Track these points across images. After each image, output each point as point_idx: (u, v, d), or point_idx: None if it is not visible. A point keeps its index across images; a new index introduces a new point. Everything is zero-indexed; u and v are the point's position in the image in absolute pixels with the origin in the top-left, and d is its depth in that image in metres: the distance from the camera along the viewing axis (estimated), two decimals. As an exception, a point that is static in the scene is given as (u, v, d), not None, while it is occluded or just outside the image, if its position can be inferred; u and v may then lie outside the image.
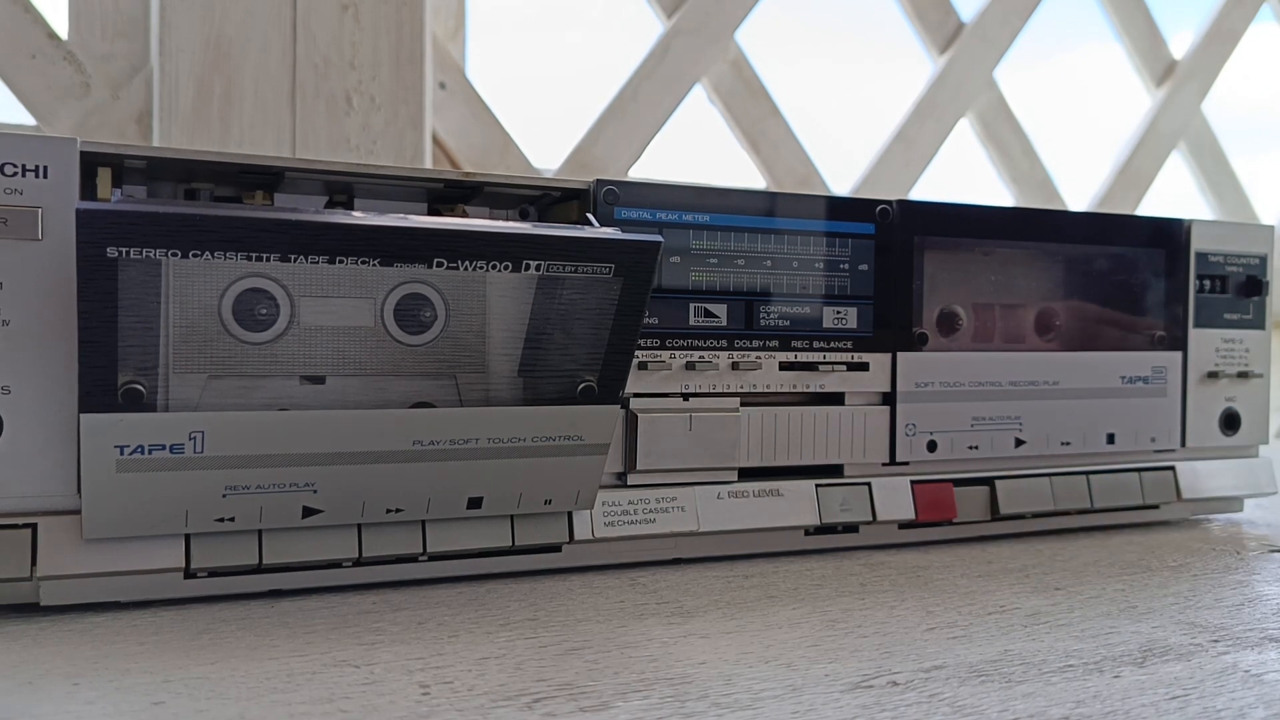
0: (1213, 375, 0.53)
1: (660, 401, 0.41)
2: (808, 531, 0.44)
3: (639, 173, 0.78)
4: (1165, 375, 0.51)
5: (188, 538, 0.34)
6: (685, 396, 0.41)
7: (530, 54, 0.84)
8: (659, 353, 0.41)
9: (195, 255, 0.30)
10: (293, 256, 0.31)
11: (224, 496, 0.33)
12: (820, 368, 0.44)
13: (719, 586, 0.38)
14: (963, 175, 0.96)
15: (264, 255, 0.31)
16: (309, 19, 0.64)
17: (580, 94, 0.81)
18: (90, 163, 0.34)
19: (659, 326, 0.41)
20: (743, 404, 0.42)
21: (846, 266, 0.44)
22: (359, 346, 0.34)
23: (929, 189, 0.91)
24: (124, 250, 0.29)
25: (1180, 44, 1.05)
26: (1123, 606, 0.36)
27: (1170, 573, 0.41)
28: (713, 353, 0.42)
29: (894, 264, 0.45)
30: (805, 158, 0.85)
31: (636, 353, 0.40)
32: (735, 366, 0.42)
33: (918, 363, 0.45)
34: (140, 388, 0.31)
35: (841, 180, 0.89)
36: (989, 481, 0.47)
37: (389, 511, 0.36)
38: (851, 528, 0.45)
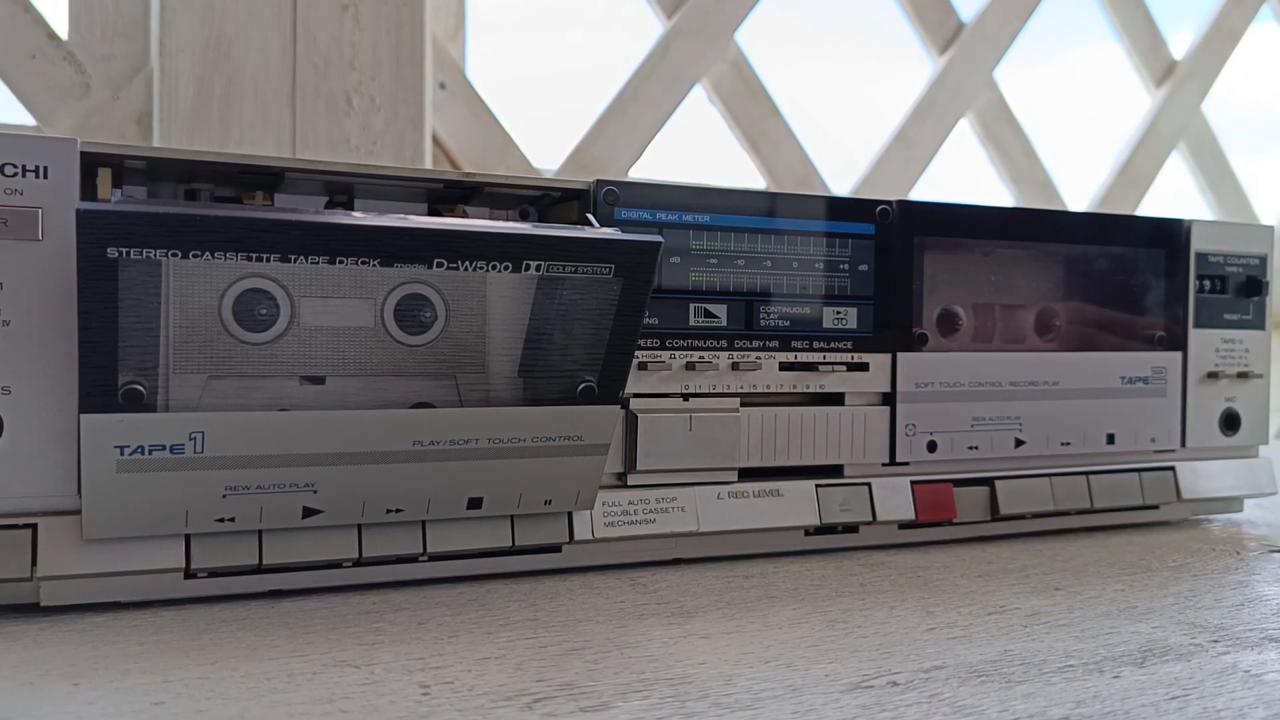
0: (1213, 375, 0.53)
1: (660, 402, 0.41)
2: (808, 532, 0.44)
3: (639, 173, 0.78)
4: (1165, 375, 0.51)
5: (188, 538, 0.34)
6: (685, 397, 0.41)
7: (530, 54, 0.84)
8: (659, 353, 0.41)
9: (195, 255, 0.30)
10: (293, 257, 0.31)
11: (224, 497, 0.33)
12: (820, 368, 0.44)
13: (719, 586, 0.38)
14: (963, 175, 0.96)
15: (264, 255, 0.31)
16: (309, 19, 0.64)
17: (580, 94, 0.81)
18: (90, 163, 0.34)
19: (659, 326, 0.41)
20: (743, 404, 0.42)
21: (846, 267, 0.44)
22: (359, 347, 0.34)
23: (929, 189, 0.91)
24: (124, 250, 0.29)
25: (1180, 44, 1.05)
26: (1123, 606, 0.36)
27: (1170, 573, 0.41)
28: (713, 353, 0.42)
29: (894, 264, 0.45)
30: (805, 158, 0.85)
31: (636, 353, 0.40)
32: (735, 367, 0.42)
33: (918, 363, 0.46)
34: (140, 388, 0.31)
35: (841, 180, 0.89)
36: (989, 482, 0.47)
37: (389, 512, 0.36)
38: (851, 528, 0.45)
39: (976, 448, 0.47)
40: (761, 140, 0.83)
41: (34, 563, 0.32)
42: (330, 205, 0.39)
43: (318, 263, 0.31)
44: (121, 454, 0.31)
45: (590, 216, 0.38)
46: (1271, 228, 0.56)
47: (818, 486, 0.44)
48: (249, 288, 0.32)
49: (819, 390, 0.44)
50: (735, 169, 0.84)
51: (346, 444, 0.34)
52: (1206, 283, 0.53)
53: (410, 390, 0.35)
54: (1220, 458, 0.53)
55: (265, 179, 0.37)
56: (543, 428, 0.36)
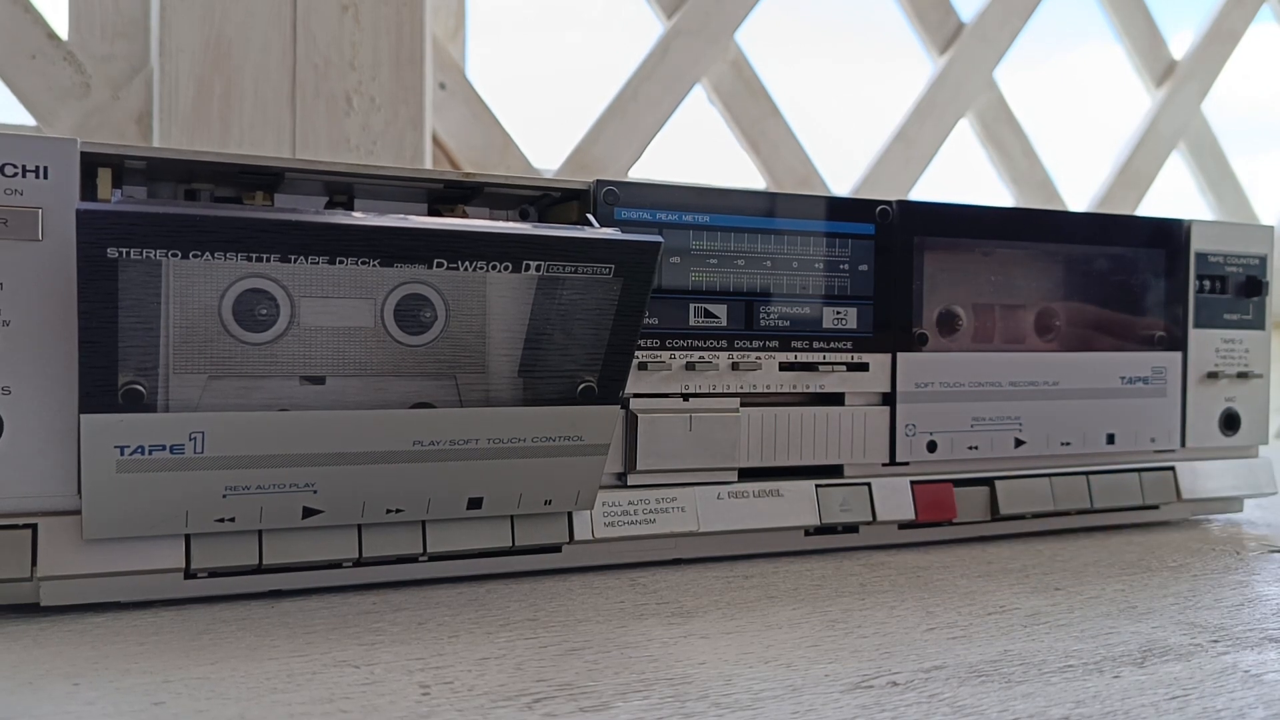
0: (1213, 375, 0.53)
1: (660, 402, 0.41)
2: (808, 532, 0.44)
3: (639, 173, 0.78)
4: (1165, 375, 0.51)
5: (188, 538, 0.34)
6: (685, 397, 0.41)
7: (530, 54, 0.84)
8: (659, 353, 0.41)
9: (195, 256, 0.30)
10: (293, 257, 0.31)
11: (224, 497, 0.33)
12: (820, 368, 0.44)
13: (719, 586, 0.38)
14: (963, 175, 0.96)
15: (264, 255, 0.31)
16: (309, 19, 0.64)
17: (580, 94, 0.81)
18: (90, 163, 0.34)
19: (659, 326, 0.41)
20: (743, 404, 0.42)
21: (846, 267, 0.44)
22: (359, 347, 0.34)
23: (929, 189, 0.91)
24: (124, 251, 0.29)
25: (1180, 44, 1.05)
26: (1123, 606, 0.36)
27: (1170, 573, 0.41)
28: (713, 353, 0.42)
29: (894, 264, 0.45)
30: (805, 158, 0.85)
31: (636, 353, 0.40)
32: (735, 367, 0.42)
33: (918, 363, 0.46)
34: (140, 388, 0.31)
35: (841, 180, 0.89)
36: (989, 482, 0.47)
37: (389, 512, 0.36)
38: (851, 528, 0.45)
39: (976, 448, 0.47)
40: (761, 140, 0.83)
41: (34, 563, 0.32)
42: (330, 205, 0.39)
43: (318, 263, 0.31)
44: (121, 454, 0.31)
45: (590, 216, 0.38)
46: (1271, 228, 0.56)
47: (818, 486, 0.44)
48: (249, 288, 0.32)
49: (819, 390, 0.44)
50: (735, 169, 0.84)
51: (346, 444, 0.34)
52: (1206, 283, 0.53)
53: (410, 390, 0.35)
54: (1220, 458, 0.53)
55: (265, 179, 0.37)
56: (543, 428, 0.36)
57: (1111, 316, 0.50)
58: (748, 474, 0.43)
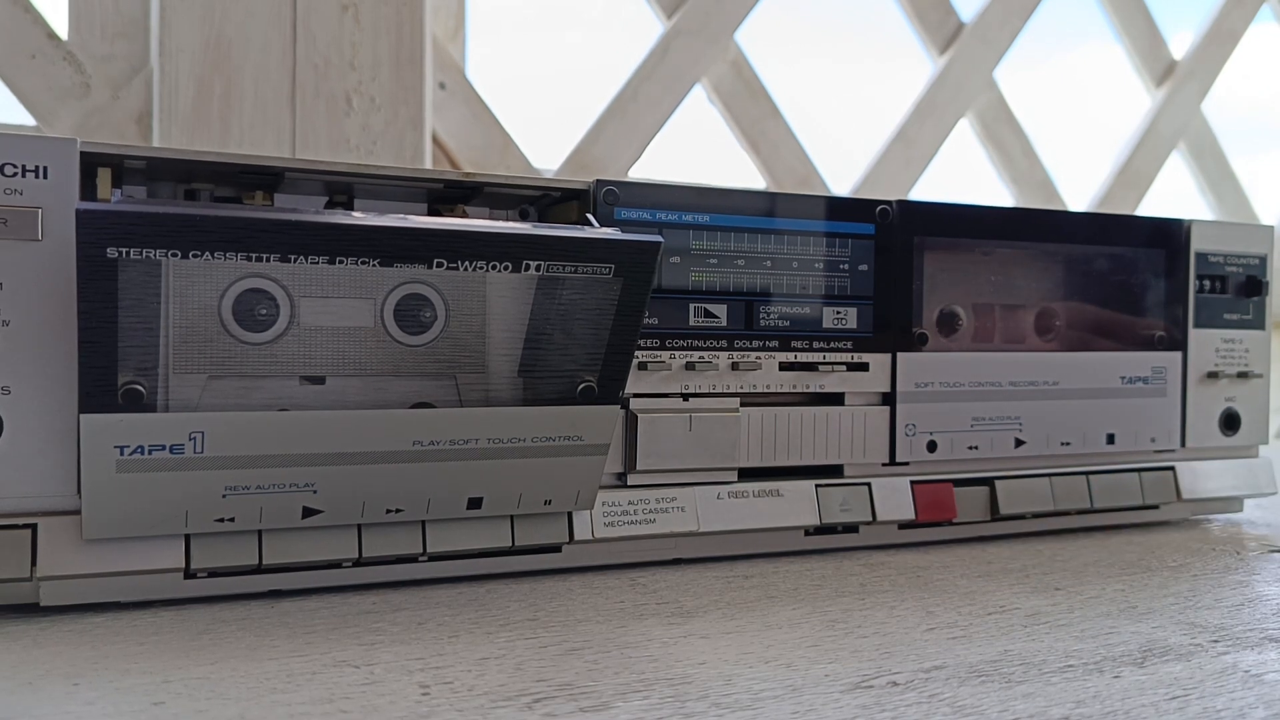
0: (1213, 375, 0.53)
1: (660, 401, 0.41)
2: (808, 532, 0.44)
3: (639, 173, 0.78)
4: (1165, 375, 0.51)
5: (188, 538, 0.34)
6: (685, 396, 0.41)
7: (530, 54, 0.84)
8: (659, 353, 0.41)
9: (195, 256, 0.30)
10: (293, 257, 0.31)
11: (224, 497, 0.33)
12: (820, 368, 0.44)
13: (719, 586, 0.38)
14: (963, 175, 0.96)
15: (264, 255, 0.31)
16: (309, 19, 0.64)
17: (580, 94, 0.81)
18: (90, 163, 0.34)
19: (659, 326, 0.41)
20: (743, 404, 0.42)
21: (846, 267, 0.44)
22: (359, 347, 0.34)
23: (929, 189, 0.91)
24: (124, 251, 0.29)
25: (1180, 44, 1.05)
26: (1123, 606, 0.36)
27: (1170, 573, 0.41)
28: (713, 353, 0.42)
29: (894, 264, 0.45)
30: (805, 158, 0.85)
31: (636, 353, 0.40)
32: (735, 367, 0.42)
33: (918, 363, 0.45)
34: (140, 388, 0.31)
35: (841, 180, 0.89)
36: (989, 481, 0.47)
37: (389, 512, 0.36)
38: (851, 528, 0.45)
39: (976, 448, 0.47)
40: (761, 140, 0.83)
41: (34, 563, 0.32)
42: (330, 205, 0.39)
43: (318, 263, 0.31)
44: (121, 454, 0.31)
45: (590, 216, 0.38)
46: (1271, 228, 0.56)
47: (818, 486, 0.44)
48: (249, 288, 0.32)
49: (819, 390, 0.44)
50: (735, 169, 0.84)
51: (346, 444, 0.34)
52: (1206, 283, 0.53)
53: (410, 390, 0.35)
54: (1220, 458, 0.53)
55: (265, 179, 0.37)
56: (543, 428, 0.36)
57: (1111, 316, 0.50)
58: (748, 474, 0.43)
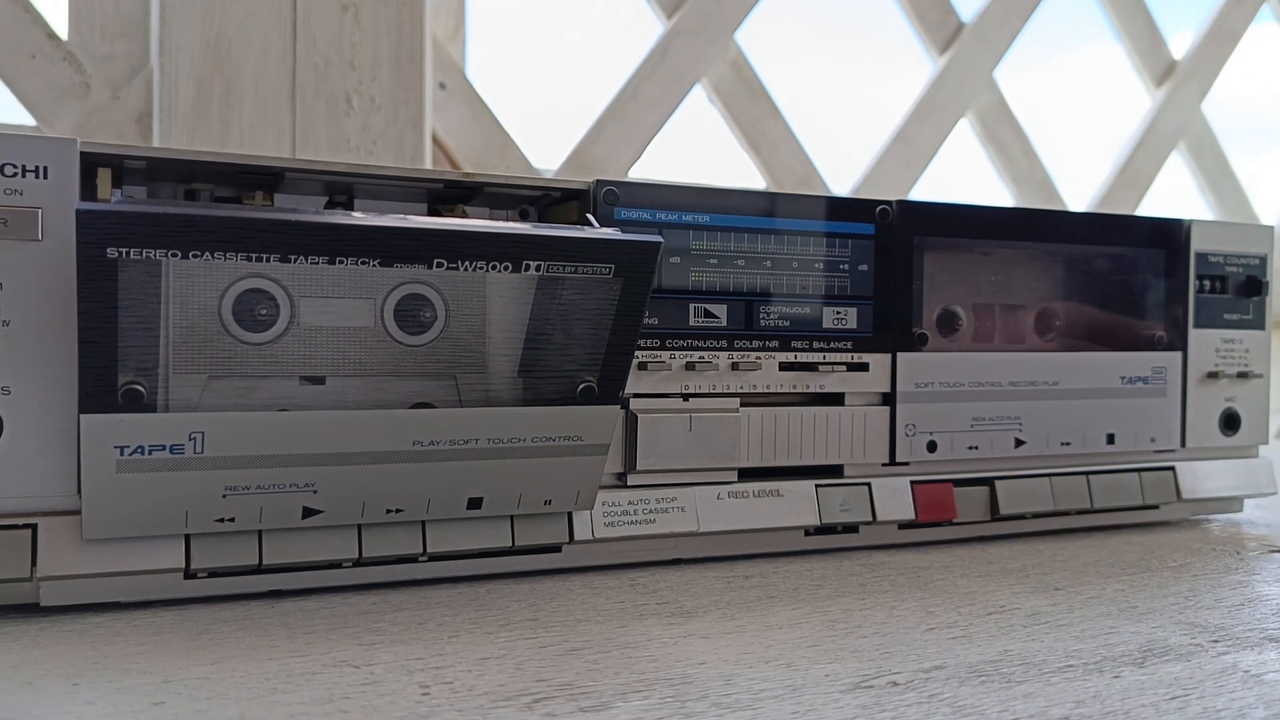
0: (1213, 375, 0.53)
1: (660, 402, 0.41)
2: (808, 532, 0.44)
3: (639, 173, 0.78)
4: (1165, 375, 0.51)
5: (188, 538, 0.34)
6: (685, 397, 0.41)
7: (530, 54, 0.84)
8: (659, 353, 0.41)
9: (195, 256, 0.30)
10: (293, 257, 0.31)
11: (224, 497, 0.33)
12: (820, 368, 0.44)
13: (719, 586, 0.38)
14: (963, 175, 0.96)
15: (264, 255, 0.31)
16: (309, 19, 0.64)
17: (580, 94, 0.81)
18: (90, 163, 0.34)
19: (659, 326, 0.41)
20: (743, 404, 0.42)
21: (846, 267, 0.44)
22: (359, 347, 0.34)
23: (929, 189, 0.91)
24: (124, 251, 0.29)
25: (1180, 44, 1.05)
26: (1123, 606, 0.36)
27: (1170, 573, 0.41)
28: (713, 353, 0.42)
29: (894, 264, 0.45)
30: (805, 158, 0.85)
31: (636, 353, 0.40)
32: (735, 367, 0.42)
33: (918, 363, 0.45)
34: (140, 388, 0.31)
35: (841, 180, 0.89)
36: (989, 482, 0.47)
37: (389, 512, 0.36)
38: (851, 528, 0.45)
39: (976, 448, 0.47)
40: (761, 140, 0.83)
41: (34, 563, 0.32)
42: (330, 205, 0.39)
43: (318, 263, 0.31)
44: (121, 454, 0.31)
45: (590, 216, 0.38)
46: (1271, 228, 0.56)
47: (818, 486, 0.44)
48: (249, 288, 0.32)
49: (819, 390, 0.44)
50: (735, 169, 0.84)
51: (346, 444, 0.34)
52: (1206, 283, 0.53)
53: (410, 390, 0.35)
54: (1220, 458, 0.53)
55: (265, 179, 0.37)
56: (543, 428, 0.36)
57: (1111, 316, 0.50)
58: (748, 474, 0.43)
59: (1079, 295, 0.50)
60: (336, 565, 0.36)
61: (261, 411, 0.32)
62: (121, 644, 0.30)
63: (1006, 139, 0.95)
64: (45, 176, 0.32)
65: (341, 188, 0.39)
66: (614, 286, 0.35)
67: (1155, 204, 1.02)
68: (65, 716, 0.24)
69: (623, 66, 0.78)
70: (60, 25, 0.61)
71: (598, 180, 0.40)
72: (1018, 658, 0.30)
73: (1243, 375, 0.53)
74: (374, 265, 0.32)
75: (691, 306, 0.41)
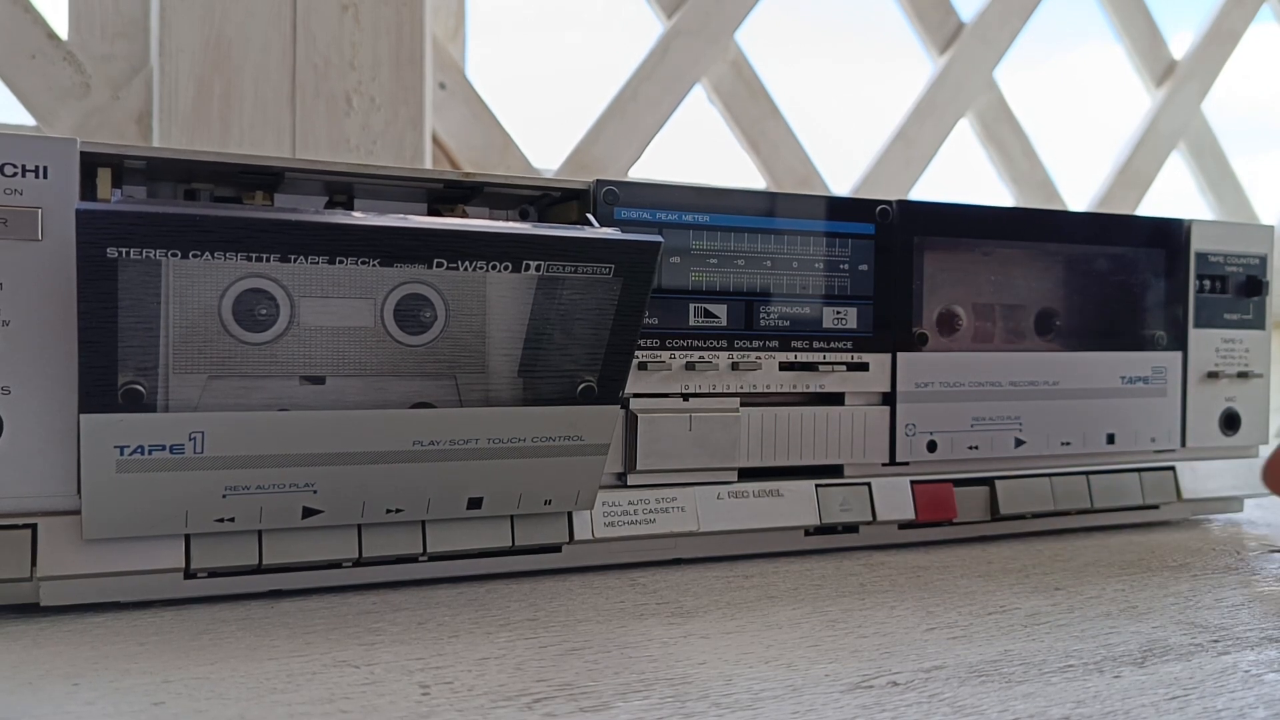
0: (1213, 375, 0.53)
1: (660, 401, 0.41)
2: (808, 531, 0.44)
3: (639, 173, 0.78)
4: (1165, 375, 0.51)
5: (188, 538, 0.34)
6: (685, 396, 0.41)
7: (530, 54, 0.84)
8: (659, 353, 0.41)
9: (195, 255, 0.30)
10: (293, 257, 0.31)
11: (224, 497, 0.33)
12: (820, 368, 0.44)
13: (719, 586, 0.38)
14: (963, 175, 0.96)
15: (264, 255, 0.31)
16: (309, 19, 0.64)
17: (580, 94, 0.81)
18: (90, 163, 0.34)
19: (659, 326, 0.41)
20: (743, 404, 0.42)
21: (846, 267, 0.44)
22: (359, 347, 0.34)
23: (929, 189, 0.91)
24: (124, 251, 0.29)
25: (1180, 44, 1.05)
26: (1123, 606, 0.36)
27: (1170, 573, 0.41)
28: (713, 353, 0.42)
29: (894, 264, 0.45)
30: (805, 158, 0.85)
31: (636, 353, 0.40)
32: (735, 366, 0.42)
33: (918, 363, 0.45)
34: (140, 388, 0.31)
35: (841, 180, 0.89)
36: (989, 481, 0.47)
37: (389, 512, 0.36)
38: (851, 528, 0.45)
39: (976, 448, 0.47)
40: (761, 140, 0.83)
41: (34, 563, 0.32)
42: (330, 205, 0.39)
43: (318, 263, 0.31)
44: (121, 454, 0.31)
45: (590, 216, 0.38)
46: (1271, 228, 0.56)
47: (818, 486, 0.44)
48: (249, 288, 0.32)
49: (819, 390, 0.44)
50: (735, 169, 0.84)
51: (346, 444, 0.34)
52: (1206, 283, 0.53)
53: (410, 390, 0.35)
54: (1220, 458, 0.53)
55: (265, 179, 0.37)
56: (543, 428, 0.36)
57: (1112, 316, 0.50)
58: (748, 474, 0.43)
59: (1079, 295, 0.50)
60: (336, 565, 0.36)
61: (261, 411, 0.32)
62: (121, 644, 0.30)
63: (1006, 139, 0.95)
64: (45, 176, 0.32)
65: (341, 188, 0.39)
66: (614, 286, 0.35)
67: (1155, 204, 1.02)
68: (65, 716, 0.24)
69: (623, 66, 0.78)
70: (60, 25, 0.61)
71: (598, 180, 0.40)
72: (1018, 658, 0.30)
73: (1243, 375, 0.53)
74: (374, 265, 0.32)
75: (691, 306, 0.41)
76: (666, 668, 0.28)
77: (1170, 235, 0.52)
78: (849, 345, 0.44)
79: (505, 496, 0.37)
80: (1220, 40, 1.06)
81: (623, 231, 0.35)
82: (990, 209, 0.48)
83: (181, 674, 0.27)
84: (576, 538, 0.39)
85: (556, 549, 0.39)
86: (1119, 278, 0.51)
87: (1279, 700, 0.26)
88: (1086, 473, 0.49)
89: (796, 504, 0.43)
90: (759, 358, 0.42)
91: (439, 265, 0.33)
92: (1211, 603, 0.36)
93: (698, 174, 0.95)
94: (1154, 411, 0.51)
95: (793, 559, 0.43)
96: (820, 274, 0.43)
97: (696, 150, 0.85)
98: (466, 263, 0.33)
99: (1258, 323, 0.54)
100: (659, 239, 0.34)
